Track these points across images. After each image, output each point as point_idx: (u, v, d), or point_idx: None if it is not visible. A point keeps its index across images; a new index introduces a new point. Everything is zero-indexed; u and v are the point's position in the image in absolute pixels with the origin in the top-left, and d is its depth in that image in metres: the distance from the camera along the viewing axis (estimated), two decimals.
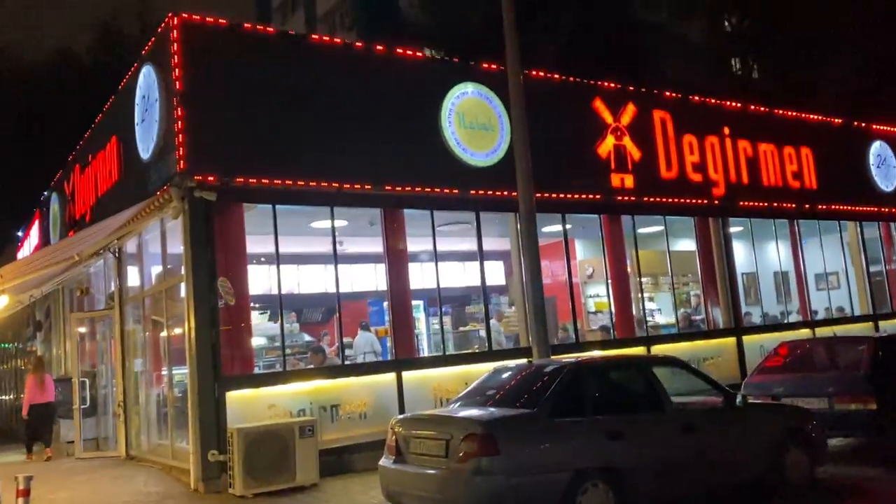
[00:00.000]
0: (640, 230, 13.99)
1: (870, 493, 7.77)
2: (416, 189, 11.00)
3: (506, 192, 11.53)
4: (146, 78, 10.49)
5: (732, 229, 15.23)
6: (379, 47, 11.09)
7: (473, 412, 6.81)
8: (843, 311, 17.16)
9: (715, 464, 7.13)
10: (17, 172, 25.75)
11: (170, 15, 9.55)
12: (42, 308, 18.34)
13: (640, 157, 13.60)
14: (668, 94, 14.58)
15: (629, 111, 13.62)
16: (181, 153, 9.28)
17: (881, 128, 18.71)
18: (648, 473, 6.60)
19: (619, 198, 13.25)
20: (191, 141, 9.33)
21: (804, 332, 15.42)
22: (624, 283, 13.56)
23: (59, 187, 16.66)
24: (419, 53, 11.51)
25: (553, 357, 9.12)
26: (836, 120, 17.79)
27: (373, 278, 16.21)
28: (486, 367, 10.55)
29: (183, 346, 9.95)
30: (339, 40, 11.10)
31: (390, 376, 10.67)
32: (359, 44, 11.11)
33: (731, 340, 14.56)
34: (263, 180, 9.79)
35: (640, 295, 14.05)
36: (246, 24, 10.20)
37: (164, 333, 11.34)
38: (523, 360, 11.04)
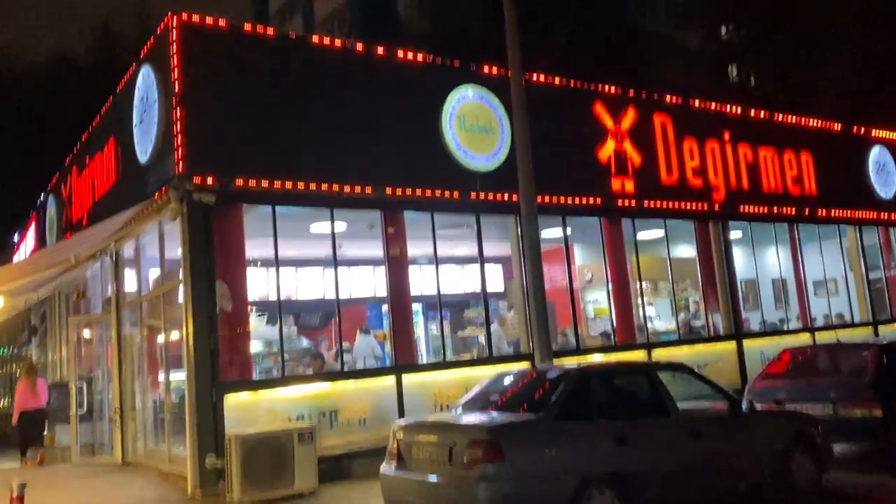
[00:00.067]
0: (640, 236, 13.94)
1: (876, 501, 7.70)
2: (417, 192, 10.91)
3: (506, 196, 11.49)
4: (145, 79, 10.39)
5: (731, 235, 15.17)
6: (380, 49, 11.02)
7: (477, 418, 6.72)
8: (843, 318, 17.11)
9: (721, 470, 7.05)
10: (13, 175, 25.61)
11: (169, 15, 9.46)
12: (38, 312, 18.19)
13: (641, 162, 13.54)
14: (668, 98, 14.54)
15: (630, 115, 13.57)
16: (180, 155, 9.18)
17: (880, 134, 18.70)
18: (655, 480, 6.51)
19: (620, 202, 13.19)
20: (190, 142, 9.23)
21: (804, 338, 15.39)
22: (624, 288, 13.48)
23: (55, 190, 16.54)
24: (420, 56, 11.43)
25: (555, 362, 9.03)
26: (836, 126, 17.77)
27: (371, 282, 16.14)
28: (486, 372, 10.49)
29: (180, 351, 9.84)
30: (339, 42, 11.01)
31: (390, 381, 10.56)
32: (359, 46, 11.00)
33: (732, 346, 14.49)
34: (263, 182, 9.69)
35: (640, 300, 13.97)
36: (246, 26, 10.12)
37: (161, 338, 11.23)
38: (526, 365, 11.01)
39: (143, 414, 11.87)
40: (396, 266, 10.95)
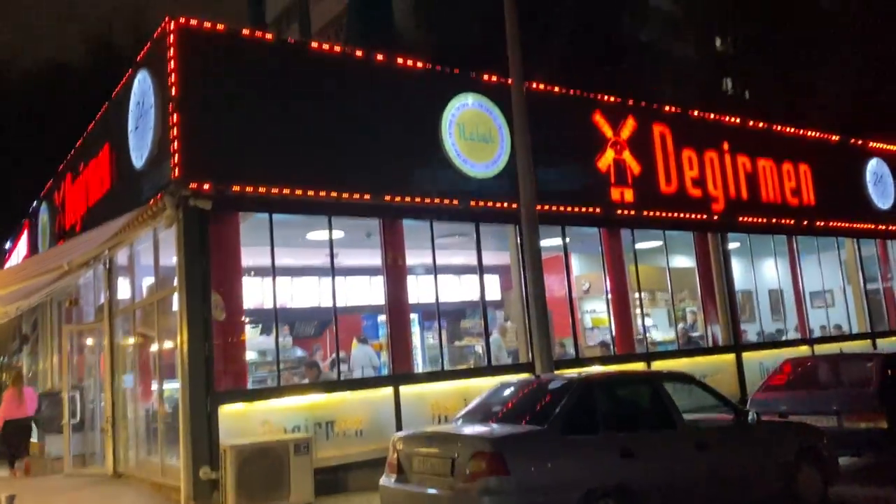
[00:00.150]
0: (637, 246, 13.85)
1: None
2: (416, 200, 10.80)
3: (505, 204, 11.39)
4: (141, 84, 10.26)
5: (729, 246, 15.10)
6: (379, 56, 10.92)
7: (480, 429, 6.58)
8: (841, 329, 17.05)
9: (727, 483, 6.92)
10: (5, 181, 25.41)
11: (167, 19, 9.34)
12: (29, 320, 17.98)
13: (640, 172, 13.47)
14: (667, 108, 14.49)
15: (629, 125, 13.50)
16: (176, 160, 9.04)
17: (878, 146, 18.71)
18: (661, 492, 6.39)
19: (619, 211, 13.10)
20: (186, 148, 9.09)
21: (803, 350, 15.31)
22: (624, 298, 13.38)
23: (48, 197, 16.37)
24: (419, 63, 11.34)
25: (557, 372, 8.90)
26: (834, 137, 17.77)
27: (367, 292, 16.00)
28: (485, 383, 10.37)
29: (174, 360, 9.68)
30: (338, 49, 10.93)
31: (387, 391, 10.41)
32: (359, 52, 10.89)
33: (731, 357, 14.39)
34: (260, 189, 9.56)
35: (640, 311, 13.87)
36: (244, 30, 10.01)
37: (154, 347, 11.05)
38: (528, 375, 10.86)
39: (135, 424, 11.68)
40: (395, 275, 10.82)
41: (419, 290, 12.62)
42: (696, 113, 15.10)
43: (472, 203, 11.29)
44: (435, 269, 11.19)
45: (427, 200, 10.90)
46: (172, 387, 10.14)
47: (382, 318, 15.85)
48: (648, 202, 13.50)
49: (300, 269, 14.74)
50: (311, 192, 9.93)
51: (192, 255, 9.20)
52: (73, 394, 12.86)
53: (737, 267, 15.64)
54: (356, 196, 10.27)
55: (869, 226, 17.74)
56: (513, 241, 12.01)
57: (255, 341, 13.31)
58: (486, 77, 11.81)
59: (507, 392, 7.45)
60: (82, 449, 13.06)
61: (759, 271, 16.30)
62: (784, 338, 16.10)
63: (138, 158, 10.34)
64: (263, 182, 9.59)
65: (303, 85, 10.12)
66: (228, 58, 9.66)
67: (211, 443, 8.87)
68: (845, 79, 26.71)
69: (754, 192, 15.38)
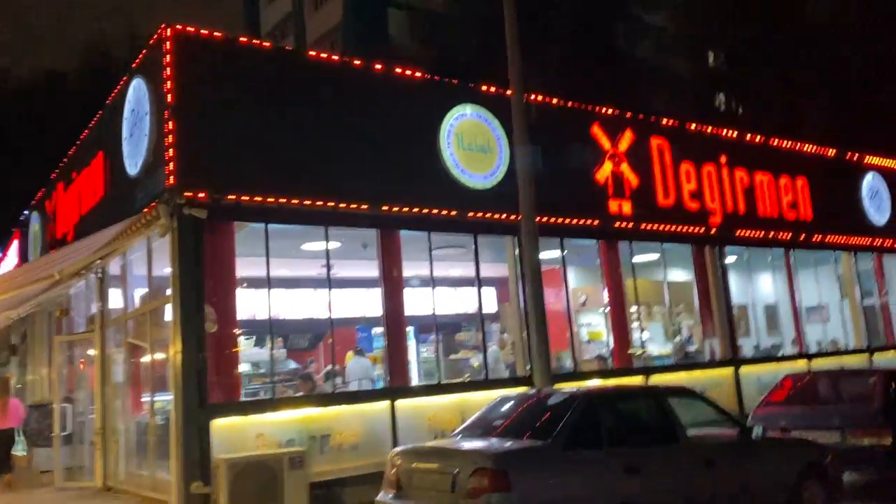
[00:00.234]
0: (634, 259, 13.75)
1: None
2: (414, 210, 10.68)
3: (504, 215, 11.29)
4: (136, 91, 10.13)
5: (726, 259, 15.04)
6: (377, 65, 10.83)
7: (481, 444, 6.42)
8: (837, 344, 16.98)
9: (732, 499, 6.79)
10: None
11: (163, 26, 9.22)
12: (18, 331, 17.72)
13: (638, 184, 13.40)
14: (665, 121, 14.45)
15: (627, 137, 13.44)
16: (171, 168, 8.90)
17: (873, 160, 18.73)
18: None
19: (617, 224, 13.01)
20: (181, 156, 8.95)
21: (801, 365, 15.21)
22: (621, 311, 13.28)
23: (40, 206, 16.17)
24: (417, 73, 11.25)
25: (556, 386, 8.76)
26: (830, 152, 17.77)
27: (362, 303, 15.84)
28: (483, 397, 10.25)
29: (166, 372, 9.49)
30: (336, 57, 10.83)
31: (383, 405, 10.24)
32: (357, 61, 10.80)
33: (729, 372, 14.28)
34: (256, 198, 9.42)
35: (639, 324, 13.77)
36: (241, 38, 9.92)
37: (146, 358, 10.86)
38: (527, 389, 10.70)
39: (126, 436, 11.47)
40: (392, 286, 10.68)
41: (414, 302, 12.48)
42: (693, 126, 15.07)
43: (471, 214, 11.18)
44: (433, 281, 11.07)
45: (425, 211, 10.79)
46: (164, 399, 9.95)
47: (377, 330, 15.75)
48: (646, 215, 13.42)
49: (294, 280, 14.58)
50: (307, 202, 9.80)
51: (187, 265, 9.04)
52: (65, 405, 12.62)
53: (733, 281, 15.56)
54: (353, 206, 10.14)
55: (865, 240, 17.72)
56: (511, 252, 11.90)
57: (247, 353, 13.12)
58: (484, 88, 11.73)
59: (507, 406, 7.30)
60: (71, 462, 12.82)
61: (756, 285, 16.24)
62: (781, 353, 16.01)
63: (132, 166, 10.19)
64: (260, 191, 9.46)
65: (300, 93, 10.01)
66: (225, 65, 9.55)
67: (203, 456, 8.69)
68: (838, 94, 26.89)
69: (752, 205, 15.33)
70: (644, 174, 13.53)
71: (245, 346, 12.90)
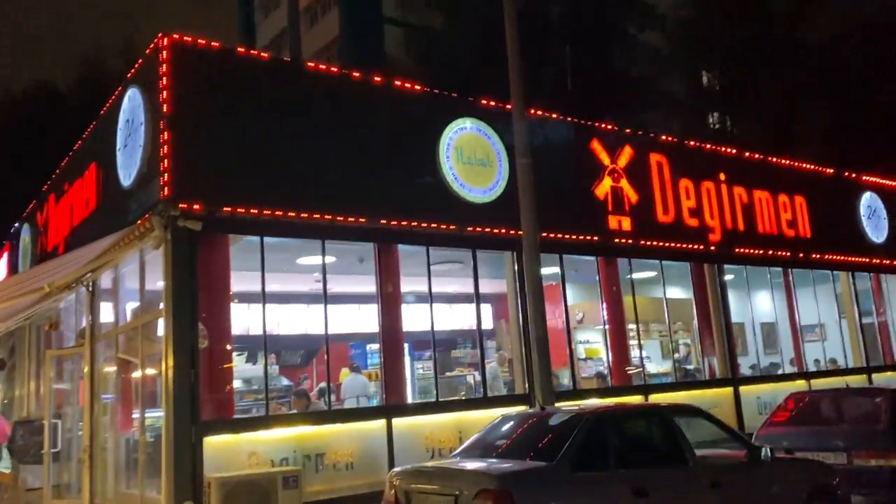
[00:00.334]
0: (632, 276, 13.60)
1: None
2: (413, 224, 10.51)
3: (503, 230, 11.14)
4: (131, 101, 9.96)
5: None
6: (377, 78, 10.70)
7: (484, 464, 6.21)
8: (836, 363, 16.84)
9: None
10: None
11: (160, 35, 9.07)
12: (6, 345, 17.40)
13: (637, 200, 13.28)
14: (664, 137, 14.37)
15: (626, 153, 13.34)
16: (166, 179, 8.71)
17: (871, 179, 18.71)
18: None
19: (617, 240, 12.87)
20: (177, 167, 8.77)
21: (800, 384, 15.06)
22: (621, 328, 13.12)
23: (31, 219, 15.94)
24: (417, 87, 11.13)
25: (557, 405, 8.56)
26: (828, 170, 17.74)
27: (356, 319, 15.63)
28: (481, 415, 10.07)
29: (156, 388, 9.25)
30: (335, 69, 10.69)
31: (379, 423, 10.02)
32: (356, 73, 10.66)
33: (728, 391, 14.12)
34: (252, 210, 9.23)
35: (637, 342, 13.60)
36: (239, 48, 9.77)
37: (137, 373, 10.61)
38: (526, 408, 10.50)
39: (115, 454, 11.19)
40: (389, 302, 10.49)
41: (410, 318, 12.28)
42: (692, 143, 15.00)
43: (470, 228, 11.02)
44: (430, 297, 10.88)
45: (424, 225, 10.62)
46: (155, 415, 9.70)
47: (371, 346, 15.56)
48: (646, 231, 13.29)
49: (287, 295, 14.37)
50: (304, 215, 9.62)
51: (181, 278, 8.84)
52: (56, 421, 12.33)
53: (731, 299, 15.42)
54: (351, 219, 9.97)
55: (864, 259, 17.64)
56: (510, 268, 11.74)
57: (239, 369, 12.88)
58: (484, 101, 11.62)
59: (509, 425, 7.09)
60: (58, 480, 12.52)
61: (753, 303, 16.11)
62: (779, 371, 15.86)
63: (126, 177, 10.00)
64: (255, 203, 9.28)
65: (298, 105, 9.87)
66: (222, 75, 9.40)
67: (195, 475, 8.46)
68: (831, 116, 27.02)
69: (751, 223, 15.23)
70: (643, 190, 13.42)
71: (236, 361, 12.67)
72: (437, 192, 10.77)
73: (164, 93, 8.90)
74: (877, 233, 18.17)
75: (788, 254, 15.84)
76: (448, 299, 14.48)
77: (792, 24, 28.60)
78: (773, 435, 9.36)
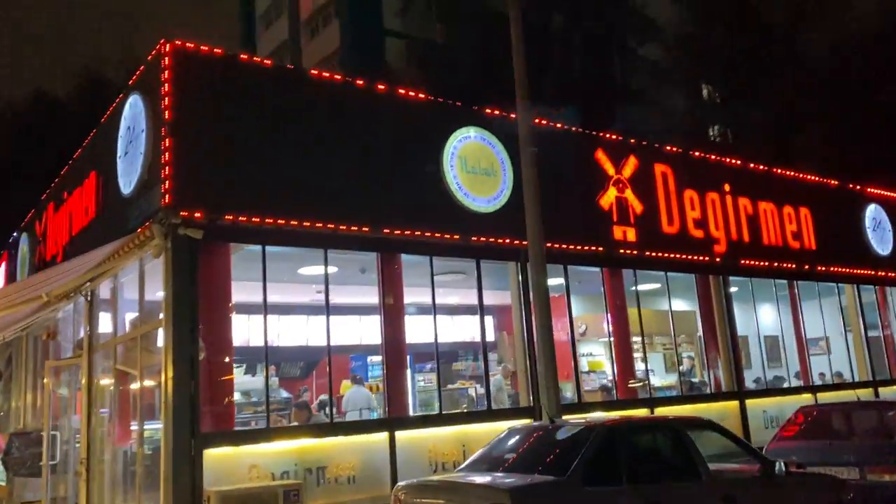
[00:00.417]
0: (637, 287, 13.46)
1: None
2: (416, 233, 10.37)
3: (507, 240, 11.01)
4: (132, 108, 9.84)
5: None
6: (381, 86, 10.60)
7: (492, 478, 6.05)
8: (842, 377, 16.69)
9: None
10: None
11: (162, 41, 8.97)
12: (3, 356, 17.23)
13: (642, 211, 13.16)
14: (668, 148, 14.27)
15: (631, 163, 13.23)
16: (167, 187, 8.57)
17: (876, 191, 18.61)
18: None
19: (622, 251, 12.73)
20: (178, 174, 8.64)
21: (807, 398, 14.88)
22: (626, 341, 12.96)
23: (29, 228, 15.81)
24: (421, 95, 11.03)
25: (566, 417, 8.40)
26: (832, 182, 17.64)
27: (356, 331, 15.48)
28: (485, 428, 9.90)
29: (155, 399, 9.08)
30: (339, 76, 10.56)
31: (382, 436, 9.84)
32: (360, 81, 10.55)
33: (734, 404, 13.94)
34: (254, 218, 9.09)
35: (643, 354, 13.45)
36: (242, 55, 9.67)
37: (135, 384, 10.44)
38: (527, 421, 10.34)
39: (112, 467, 11.00)
40: (392, 313, 10.33)
41: (412, 330, 12.13)
42: (697, 154, 14.90)
43: (474, 238, 10.89)
44: (434, 308, 10.72)
45: (427, 234, 10.48)
46: (153, 427, 9.52)
47: (372, 358, 15.39)
48: (651, 242, 13.16)
49: (288, 306, 14.23)
50: (306, 223, 9.48)
51: (181, 287, 8.69)
52: (55, 433, 12.14)
53: (735, 311, 15.28)
54: (354, 228, 9.83)
55: (869, 272, 17.50)
56: (514, 278, 11.59)
57: (238, 381, 12.70)
58: (488, 110, 11.51)
59: (516, 438, 6.93)
60: (53, 492, 12.31)
61: (758, 316, 15.96)
62: (784, 385, 15.69)
63: (126, 185, 9.87)
64: (257, 211, 9.14)
65: (301, 113, 9.75)
66: (224, 82, 9.29)
67: (194, 488, 8.28)
68: (831, 117, 27.04)
69: (756, 234, 15.11)
70: (648, 201, 13.30)
71: (235, 374, 12.50)
72: (441, 201, 10.65)
73: (166, 99, 8.79)
74: (882, 245, 18.05)
75: (794, 266, 15.71)
76: (449, 311, 14.31)
77: (792, 27, 28.63)
78: (784, 449, 9.20)
